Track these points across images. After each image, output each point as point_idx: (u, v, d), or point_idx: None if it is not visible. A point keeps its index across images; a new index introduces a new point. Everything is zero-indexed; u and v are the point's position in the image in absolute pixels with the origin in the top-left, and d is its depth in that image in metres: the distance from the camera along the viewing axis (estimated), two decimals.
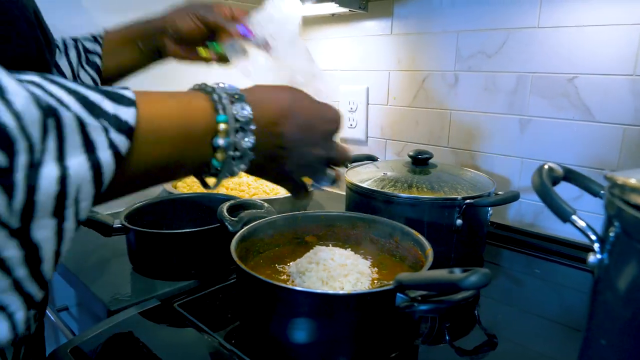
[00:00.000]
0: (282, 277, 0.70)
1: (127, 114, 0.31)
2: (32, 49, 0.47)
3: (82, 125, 0.28)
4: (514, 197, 0.85)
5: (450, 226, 0.84)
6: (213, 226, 0.79)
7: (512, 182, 1.08)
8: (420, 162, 0.96)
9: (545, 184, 0.41)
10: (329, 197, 1.37)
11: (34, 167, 0.26)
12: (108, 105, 0.30)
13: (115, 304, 0.71)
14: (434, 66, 1.17)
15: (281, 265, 0.73)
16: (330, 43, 1.40)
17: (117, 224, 0.81)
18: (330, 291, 0.62)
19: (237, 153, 0.39)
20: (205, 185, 0.42)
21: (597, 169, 0.95)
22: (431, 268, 0.61)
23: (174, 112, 0.35)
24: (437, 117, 1.19)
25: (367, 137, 1.35)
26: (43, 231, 0.27)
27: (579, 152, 0.97)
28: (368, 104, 1.33)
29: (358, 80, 1.34)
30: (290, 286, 0.57)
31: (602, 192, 0.45)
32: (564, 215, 0.40)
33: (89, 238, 0.92)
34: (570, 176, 0.47)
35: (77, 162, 0.28)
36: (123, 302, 0.71)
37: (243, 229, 0.71)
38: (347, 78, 1.37)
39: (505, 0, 1.02)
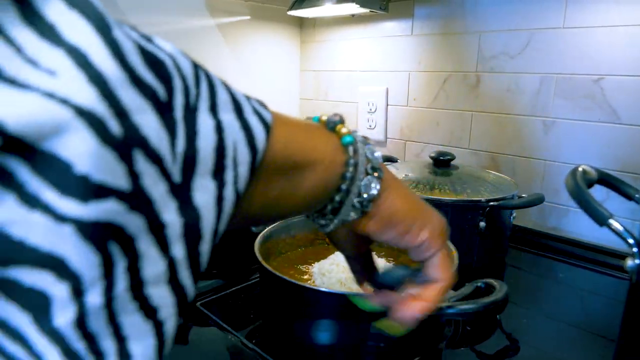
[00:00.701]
0: (305, 277, 0.69)
1: (263, 110, 0.29)
2: None
3: (225, 85, 0.26)
4: (539, 200, 0.84)
5: (473, 228, 0.83)
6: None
7: (535, 185, 1.06)
8: (441, 163, 0.95)
9: (580, 187, 0.40)
10: None
11: (190, 110, 0.23)
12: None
13: None
14: (455, 67, 1.16)
15: (304, 266, 0.73)
16: (350, 44, 1.39)
17: None
18: (352, 292, 0.62)
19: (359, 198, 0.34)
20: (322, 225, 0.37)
21: (623, 172, 0.93)
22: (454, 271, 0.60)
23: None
24: (458, 119, 1.17)
25: (386, 138, 1.35)
26: (204, 194, 0.23)
27: (604, 154, 0.95)
28: (387, 104, 1.32)
29: (378, 81, 1.34)
30: (315, 287, 0.57)
31: (637, 195, 0.44)
32: (600, 218, 0.39)
33: None
34: (604, 179, 0.46)
35: (229, 118, 0.25)
36: None
37: (265, 230, 0.71)
38: (366, 79, 1.37)
39: (529, 1, 1.01)
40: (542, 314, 0.76)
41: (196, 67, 0.24)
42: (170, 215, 0.21)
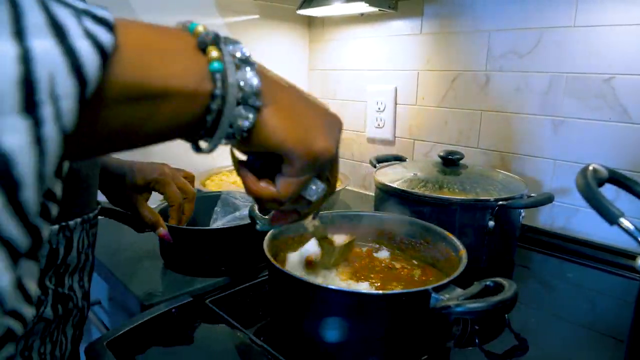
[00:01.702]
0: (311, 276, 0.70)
1: (102, 12, 0.25)
2: None
3: (42, 4, 0.22)
4: (548, 199, 0.83)
5: (482, 228, 0.83)
6: (244, 223, 0.80)
7: (544, 184, 1.06)
8: (450, 162, 0.95)
9: (591, 186, 0.40)
10: (357, 198, 1.37)
11: None
12: (77, 3, 0.24)
13: (148, 299, 0.72)
14: (464, 66, 1.16)
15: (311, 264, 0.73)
16: (358, 43, 1.39)
17: None
18: (365, 291, 0.62)
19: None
20: (197, 149, 0.35)
21: (633, 172, 0.92)
22: (463, 270, 0.60)
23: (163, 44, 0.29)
24: (467, 118, 1.17)
25: (394, 137, 1.35)
26: (14, 135, 0.20)
27: (614, 153, 0.94)
28: (396, 103, 1.32)
29: (386, 80, 1.34)
30: (324, 285, 0.57)
31: None
32: (611, 217, 0.39)
33: (121, 235, 0.94)
34: (615, 177, 0.46)
35: (44, 44, 0.21)
36: (156, 298, 0.73)
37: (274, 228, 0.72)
38: (375, 78, 1.37)
39: None
40: (550, 314, 0.76)
41: None
42: None
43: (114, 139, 0.28)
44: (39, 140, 0.21)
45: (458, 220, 0.83)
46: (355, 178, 1.47)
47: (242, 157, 0.39)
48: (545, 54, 1.01)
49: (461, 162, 0.96)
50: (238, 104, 0.31)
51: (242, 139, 0.33)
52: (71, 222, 0.51)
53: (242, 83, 0.31)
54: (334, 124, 0.39)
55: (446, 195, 0.84)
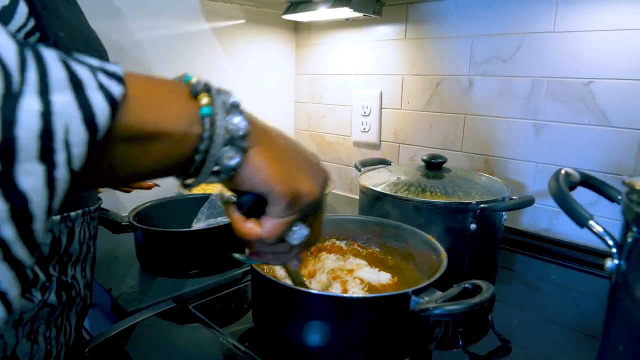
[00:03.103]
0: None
1: (114, 68, 0.29)
2: None
3: (65, 63, 0.26)
4: (528, 202, 0.84)
5: (464, 231, 0.84)
6: (223, 224, 0.81)
7: (526, 187, 1.07)
8: (434, 166, 0.96)
9: (562, 189, 0.41)
10: (342, 201, 1.37)
11: (10, 97, 0.23)
12: (93, 62, 0.28)
13: (130, 305, 0.72)
14: (448, 71, 1.17)
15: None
16: (344, 47, 1.40)
17: (125, 221, 0.83)
18: (346, 295, 0.62)
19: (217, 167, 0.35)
20: (185, 185, 0.38)
21: (612, 174, 0.94)
22: (445, 273, 0.61)
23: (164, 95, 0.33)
24: (451, 122, 1.18)
25: (380, 141, 1.36)
26: (30, 179, 0.24)
27: (594, 157, 0.96)
28: (381, 108, 1.33)
29: (372, 84, 1.35)
30: (306, 289, 0.58)
31: (619, 197, 0.45)
32: (581, 220, 0.40)
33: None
34: (587, 181, 0.47)
35: (63, 99, 0.25)
36: (139, 304, 0.72)
37: None
38: (360, 82, 1.38)
39: (521, 5, 1.02)
40: (534, 315, 0.76)
41: (23, 50, 0.24)
42: None
43: (113, 174, 0.31)
44: (51, 181, 0.25)
45: (440, 224, 0.83)
46: (342, 182, 1.48)
47: (233, 199, 0.41)
48: (527, 59, 1.03)
49: (445, 165, 0.97)
50: (225, 144, 0.34)
51: (230, 178, 0.36)
52: (72, 214, 0.53)
53: (230, 126, 0.34)
54: (319, 172, 0.42)
55: (429, 198, 0.84)
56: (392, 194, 0.87)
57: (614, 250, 0.37)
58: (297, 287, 0.57)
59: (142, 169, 0.32)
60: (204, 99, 0.34)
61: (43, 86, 0.24)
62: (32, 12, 0.43)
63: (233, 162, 0.35)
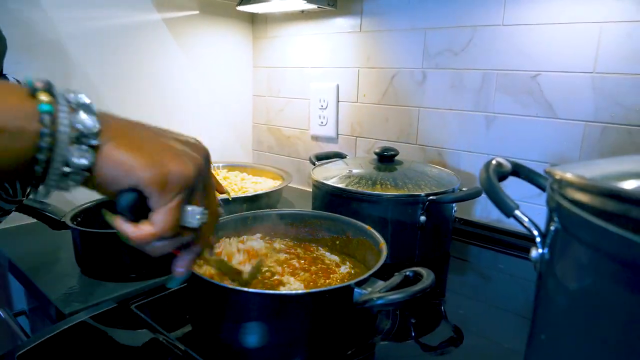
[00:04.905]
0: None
1: None
2: None
3: None
4: (477, 193, 0.85)
5: (414, 223, 0.84)
6: None
7: (478, 179, 1.08)
8: (386, 159, 0.96)
9: (491, 179, 0.41)
10: (298, 195, 1.36)
11: None
12: None
13: (69, 307, 0.69)
14: (402, 63, 1.17)
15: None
16: (300, 40, 1.39)
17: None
18: (286, 291, 0.61)
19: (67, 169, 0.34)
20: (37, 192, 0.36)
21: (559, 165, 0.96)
22: (392, 264, 0.61)
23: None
24: (406, 115, 1.19)
25: (337, 135, 1.35)
26: None
27: (542, 148, 0.98)
28: (338, 101, 1.32)
29: (328, 77, 1.34)
30: (242, 288, 0.56)
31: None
32: (507, 210, 0.40)
33: (38, 233, 0.90)
34: (518, 171, 0.47)
35: None
36: (77, 305, 0.70)
37: None
38: (317, 75, 1.36)
39: None
40: (486, 304, 0.78)
41: None
42: None
43: None
44: None
45: (390, 216, 0.83)
46: (300, 176, 1.47)
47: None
48: (478, 52, 1.04)
49: (398, 158, 0.97)
50: (72, 143, 0.33)
51: (90, 180, 0.35)
52: None
53: (77, 124, 0.34)
54: (192, 148, 0.41)
55: (378, 191, 0.84)
56: (343, 187, 0.86)
57: (538, 239, 0.37)
58: (232, 286, 0.56)
59: None
60: (43, 97, 0.33)
61: None
62: None
63: (84, 161, 0.34)
